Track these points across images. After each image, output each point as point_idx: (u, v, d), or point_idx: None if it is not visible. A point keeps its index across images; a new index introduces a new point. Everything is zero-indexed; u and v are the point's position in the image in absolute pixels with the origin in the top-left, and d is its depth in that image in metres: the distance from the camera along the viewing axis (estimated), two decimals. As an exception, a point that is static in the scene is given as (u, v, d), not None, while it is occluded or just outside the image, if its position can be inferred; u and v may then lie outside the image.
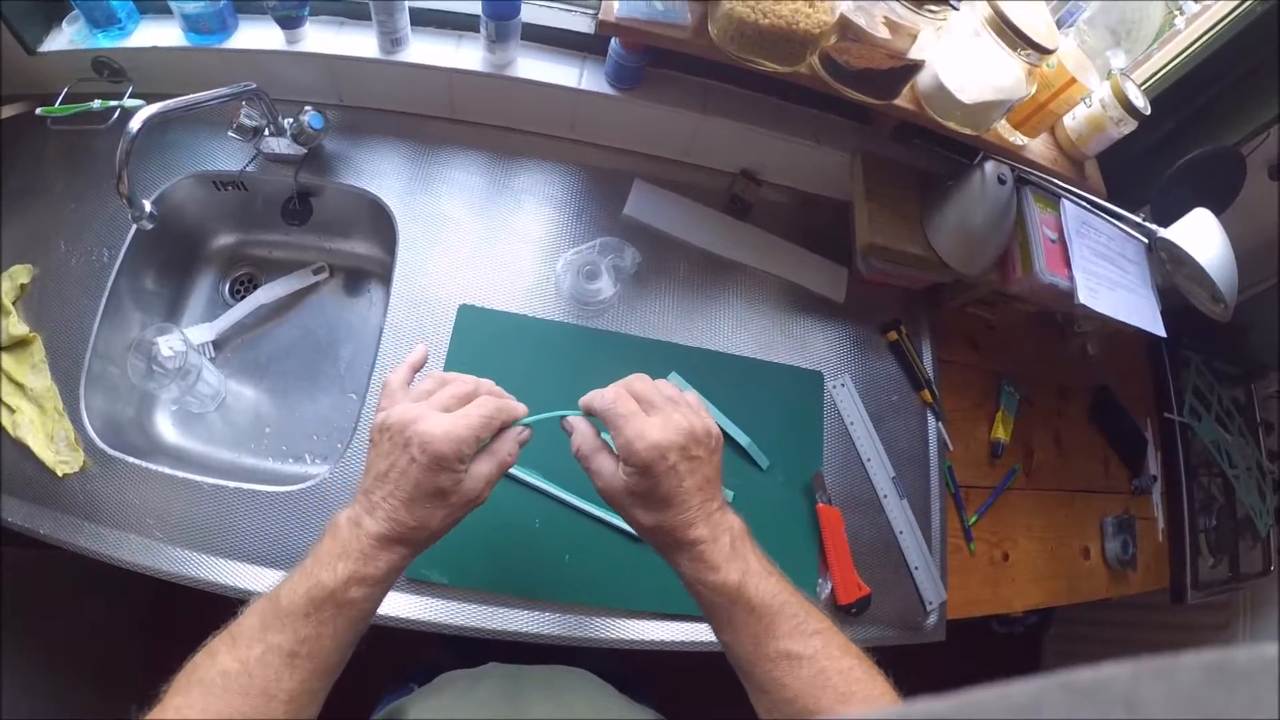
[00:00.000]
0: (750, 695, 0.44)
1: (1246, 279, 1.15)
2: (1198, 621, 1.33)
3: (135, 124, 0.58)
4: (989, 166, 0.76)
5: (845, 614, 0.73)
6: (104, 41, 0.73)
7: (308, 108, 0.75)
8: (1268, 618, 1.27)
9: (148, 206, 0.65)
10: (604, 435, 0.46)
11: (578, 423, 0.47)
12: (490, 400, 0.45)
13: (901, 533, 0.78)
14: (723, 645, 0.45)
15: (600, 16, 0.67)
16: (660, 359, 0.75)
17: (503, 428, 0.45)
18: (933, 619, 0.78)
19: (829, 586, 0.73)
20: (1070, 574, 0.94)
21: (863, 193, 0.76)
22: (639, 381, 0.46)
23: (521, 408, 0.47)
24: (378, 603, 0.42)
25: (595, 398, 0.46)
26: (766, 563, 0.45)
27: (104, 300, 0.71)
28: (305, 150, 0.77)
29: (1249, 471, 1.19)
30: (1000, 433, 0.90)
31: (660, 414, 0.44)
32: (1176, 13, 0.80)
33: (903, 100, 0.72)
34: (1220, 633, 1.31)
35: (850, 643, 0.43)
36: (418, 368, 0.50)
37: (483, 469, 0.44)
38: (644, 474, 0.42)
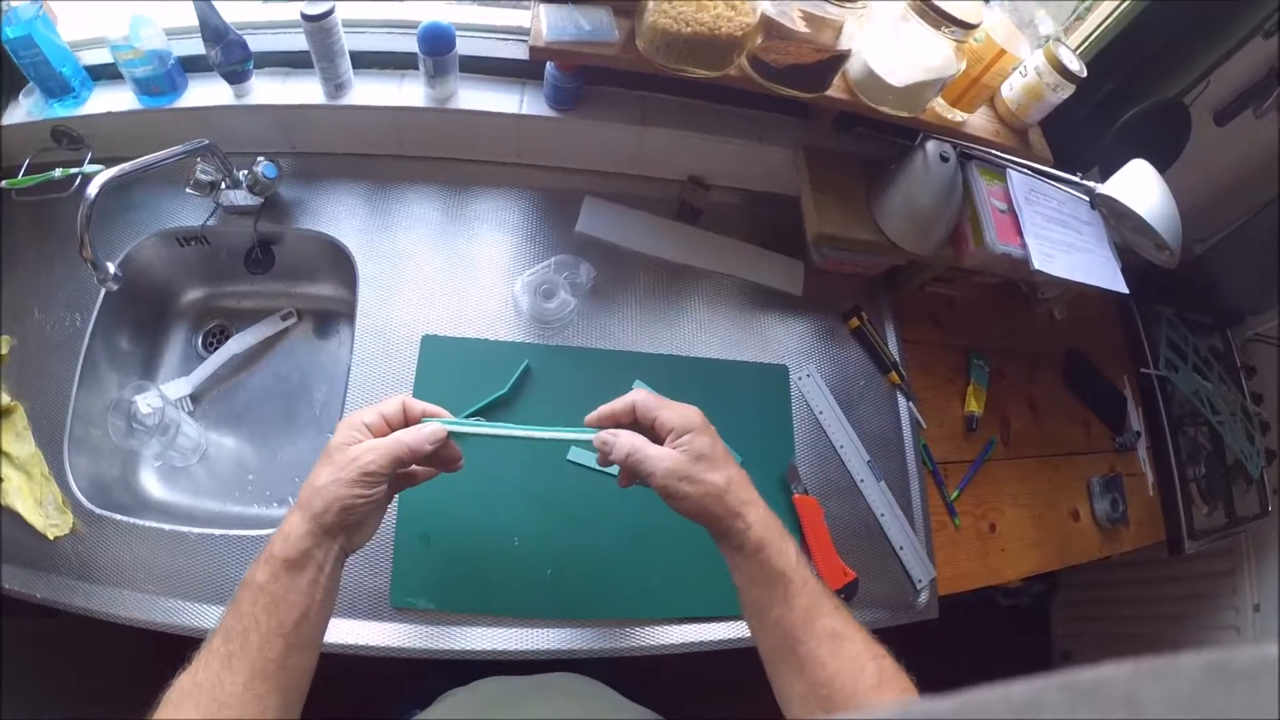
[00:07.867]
0: (781, 680, 0.45)
1: (1207, 227, 1.16)
2: (1202, 570, 1.33)
3: (92, 190, 0.60)
4: (930, 146, 0.77)
5: (834, 600, 0.74)
6: (60, 111, 0.74)
7: (260, 158, 0.76)
8: (1270, 558, 1.27)
9: (112, 269, 0.67)
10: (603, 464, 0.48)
11: (606, 435, 0.47)
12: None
13: (882, 515, 0.79)
14: (766, 624, 0.45)
15: (531, 42, 0.69)
16: (624, 369, 0.76)
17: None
18: (923, 597, 0.78)
19: (815, 575, 0.74)
20: (1060, 537, 0.94)
21: (809, 185, 0.78)
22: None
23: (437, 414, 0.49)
24: (298, 593, 0.42)
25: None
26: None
27: (80, 364, 0.72)
28: (262, 200, 0.78)
29: (1234, 416, 1.19)
30: (973, 406, 0.90)
31: (666, 409, 0.48)
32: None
33: (836, 90, 0.73)
34: (1226, 579, 1.31)
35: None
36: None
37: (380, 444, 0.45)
38: (697, 431, 0.46)
